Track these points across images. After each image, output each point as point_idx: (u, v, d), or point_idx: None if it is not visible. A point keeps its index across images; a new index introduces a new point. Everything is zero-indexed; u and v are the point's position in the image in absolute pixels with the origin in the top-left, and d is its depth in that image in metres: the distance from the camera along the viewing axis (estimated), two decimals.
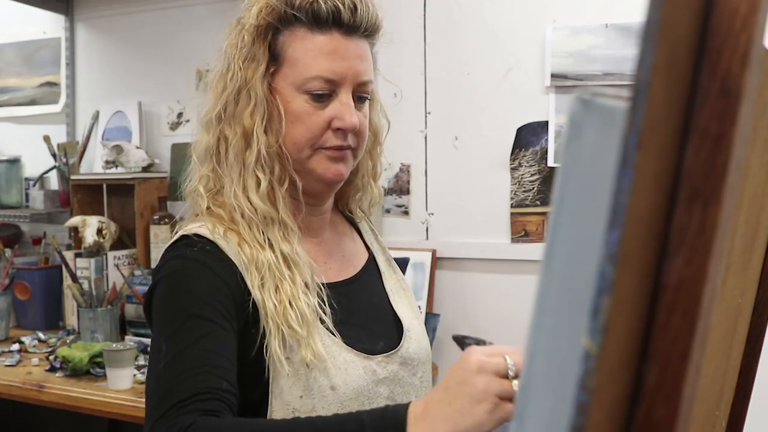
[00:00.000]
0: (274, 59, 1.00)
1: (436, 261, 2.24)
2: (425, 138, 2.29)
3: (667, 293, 0.28)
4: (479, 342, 0.75)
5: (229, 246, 0.96)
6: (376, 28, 1.03)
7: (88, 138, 2.79)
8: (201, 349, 0.87)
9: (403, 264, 2.16)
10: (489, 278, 2.21)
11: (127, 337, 2.28)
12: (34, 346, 2.34)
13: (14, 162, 2.90)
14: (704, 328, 0.29)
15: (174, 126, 2.72)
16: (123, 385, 1.90)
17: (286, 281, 0.95)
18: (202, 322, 0.89)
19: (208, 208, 1.01)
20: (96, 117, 2.80)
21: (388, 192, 2.31)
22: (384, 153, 1.15)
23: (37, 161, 2.89)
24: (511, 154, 2.17)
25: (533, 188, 2.15)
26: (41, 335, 2.43)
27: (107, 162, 2.58)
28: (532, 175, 2.15)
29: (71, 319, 2.51)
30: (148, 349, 2.16)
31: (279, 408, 0.92)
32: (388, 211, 2.33)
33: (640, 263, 0.28)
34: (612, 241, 0.27)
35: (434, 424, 0.69)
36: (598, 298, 0.27)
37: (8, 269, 2.56)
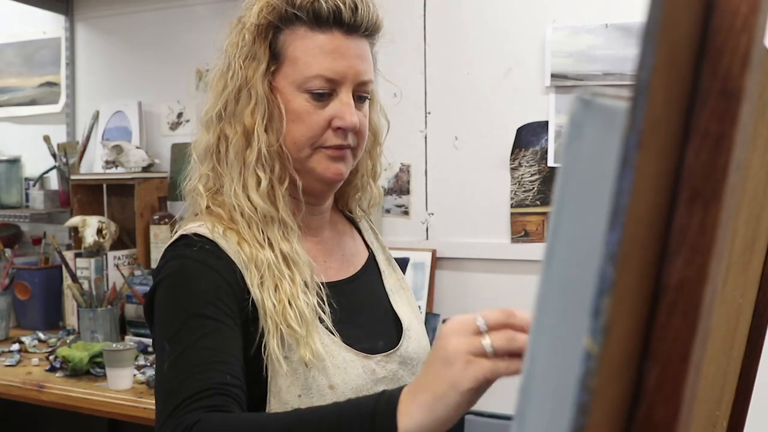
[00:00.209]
0: (275, 58, 1.00)
1: (436, 261, 2.24)
2: (425, 138, 2.28)
3: (667, 294, 0.28)
4: None
5: (228, 245, 0.96)
6: (376, 27, 1.03)
7: (88, 138, 2.79)
8: (203, 347, 0.87)
9: (403, 264, 2.16)
10: (489, 278, 2.21)
11: (127, 337, 2.29)
12: (34, 346, 2.34)
13: (14, 162, 2.90)
14: (705, 328, 0.29)
15: (174, 126, 2.72)
16: (123, 385, 1.90)
17: (285, 280, 0.95)
18: (204, 320, 0.89)
19: (207, 207, 1.01)
20: (96, 117, 2.80)
21: (388, 192, 2.31)
22: (384, 153, 1.15)
23: (37, 161, 2.89)
24: (511, 154, 2.17)
25: (533, 188, 2.15)
26: (41, 335, 2.43)
27: (107, 162, 2.58)
28: (532, 175, 2.15)
29: (71, 319, 2.52)
30: (148, 349, 2.18)
31: (277, 407, 0.92)
32: (388, 211, 2.33)
33: (640, 264, 0.28)
34: (612, 241, 0.27)
35: (415, 396, 0.69)
36: (599, 299, 0.27)
37: (8, 269, 2.56)
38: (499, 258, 2.19)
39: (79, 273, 2.45)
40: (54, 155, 2.78)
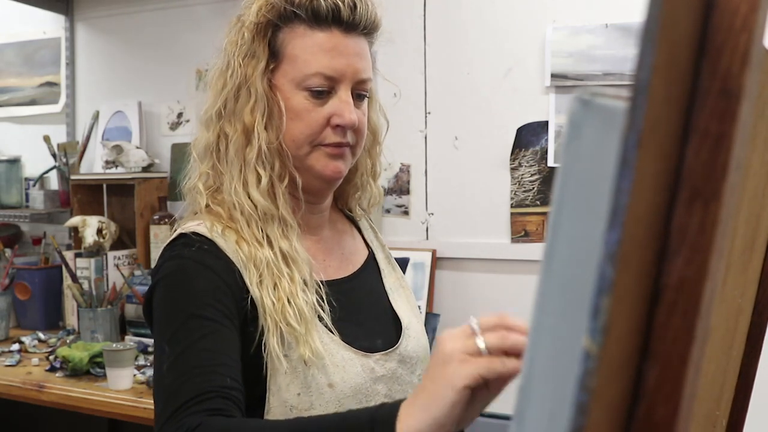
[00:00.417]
0: (274, 56, 1.00)
1: (436, 261, 2.24)
2: (425, 138, 2.28)
3: (667, 293, 0.28)
4: None
5: (227, 244, 0.96)
6: (375, 26, 1.03)
7: (88, 138, 2.79)
8: (203, 349, 0.87)
9: (403, 264, 2.16)
10: (489, 278, 2.21)
11: (127, 337, 2.28)
12: (34, 346, 2.34)
13: (14, 162, 2.90)
14: (704, 328, 0.29)
15: (174, 126, 2.72)
16: (123, 385, 1.90)
17: (284, 278, 0.95)
18: (203, 321, 0.89)
19: (207, 205, 1.02)
20: (96, 117, 2.80)
21: (388, 192, 2.31)
22: (383, 153, 1.15)
23: (37, 161, 2.89)
24: (511, 154, 2.17)
25: (533, 188, 2.15)
26: (41, 335, 2.43)
27: (107, 162, 2.58)
28: (532, 175, 2.15)
29: (71, 319, 2.51)
30: (148, 349, 2.18)
31: (277, 405, 0.93)
32: (388, 211, 2.33)
33: (640, 263, 0.28)
34: (612, 241, 0.27)
35: (413, 399, 0.70)
36: (598, 298, 0.27)
37: (8, 269, 2.56)
38: (499, 258, 2.19)
39: (79, 273, 2.45)
40: (54, 155, 2.78)
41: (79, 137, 2.83)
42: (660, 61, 0.27)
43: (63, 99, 2.90)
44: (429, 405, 0.67)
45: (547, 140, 2.13)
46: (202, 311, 0.89)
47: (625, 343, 0.28)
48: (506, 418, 2.03)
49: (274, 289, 0.94)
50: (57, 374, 2.05)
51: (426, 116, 2.28)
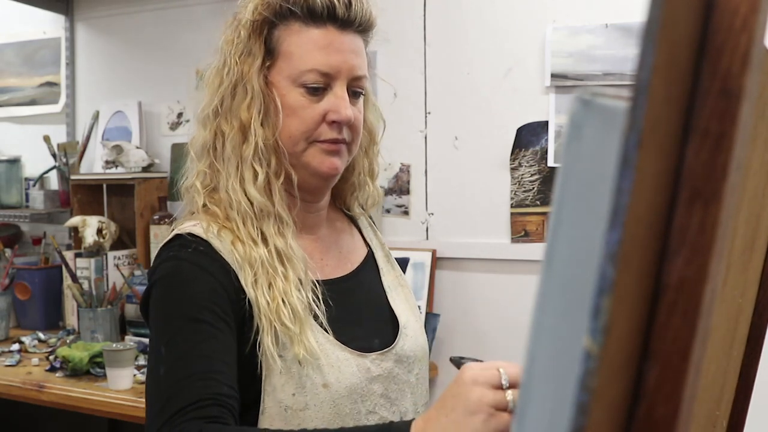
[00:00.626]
0: (270, 53, 1.01)
1: (436, 261, 2.24)
2: (425, 138, 2.28)
3: (667, 293, 0.28)
4: (476, 361, 0.78)
5: (222, 245, 0.96)
6: (370, 24, 1.04)
7: (88, 138, 2.79)
8: (200, 354, 0.87)
9: (403, 264, 2.16)
10: (489, 278, 2.21)
11: (127, 337, 2.28)
12: (34, 346, 2.34)
13: (14, 162, 2.90)
14: (705, 328, 0.29)
15: (174, 126, 2.72)
16: (123, 385, 1.90)
17: (279, 278, 0.96)
18: (200, 325, 0.89)
19: (204, 205, 1.02)
20: (96, 117, 2.80)
21: (388, 192, 2.31)
22: (383, 153, 1.16)
23: (37, 161, 2.89)
24: (511, 154, 2.17)
25: (533, 188, 2.15)
26: (41, 335, 2.43)
27: (107, 162, 2.58)
28: (532, 175, 2.15)
29: (71, 319, 2.51)
30: (148, 349, 2.18)
31: (272, 406, 0.93)
32: (388, 211, 2.33)
33: (640, 263, 0.28)
34: (612, 241, 0.27)
35: None
36: (599, 298, 0.27)
37: (8, 269, 2.56)
38: (499, 258, 2.19)
39: (79, 273, 2.45)
40: (54, 155, 2.78)
41: (79, 137, 2.83)
42: (660, 61, 0.27)
43: (63, 99, 2.90)
44: None
45: (547, 140, 2.13)
46: (199, 315, 0.90)
47: (625, 343, 0.28)
48: None
49: (269, 288, 0.95)
50: (57, 374, 2.05)
51: (426, 116, 2.28)
